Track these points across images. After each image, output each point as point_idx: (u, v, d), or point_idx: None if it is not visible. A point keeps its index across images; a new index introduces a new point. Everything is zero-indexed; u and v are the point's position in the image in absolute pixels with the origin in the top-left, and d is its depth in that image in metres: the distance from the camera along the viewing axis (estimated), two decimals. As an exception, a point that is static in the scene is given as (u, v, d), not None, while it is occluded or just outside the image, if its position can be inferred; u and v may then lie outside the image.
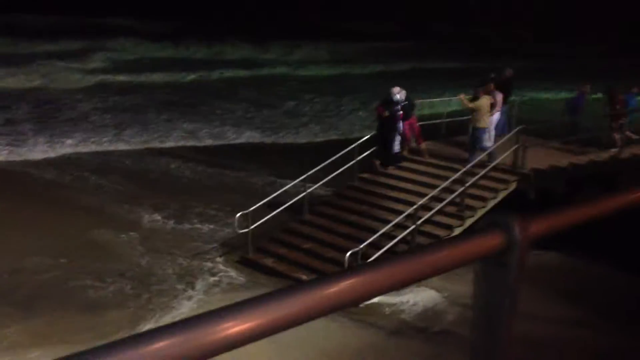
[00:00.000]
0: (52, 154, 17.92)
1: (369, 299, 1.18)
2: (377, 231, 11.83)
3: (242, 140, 20.77)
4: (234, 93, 26.87)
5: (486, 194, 13.03)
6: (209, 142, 20.28)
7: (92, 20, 40.28)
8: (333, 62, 36.04)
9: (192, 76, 29.98)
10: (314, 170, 13.21)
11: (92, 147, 18.76)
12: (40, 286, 10.69)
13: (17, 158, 17.40)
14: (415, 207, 11.90)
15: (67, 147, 18.52)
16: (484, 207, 12.77)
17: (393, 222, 11.86)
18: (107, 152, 18.61)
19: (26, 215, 13.47)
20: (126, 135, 19.96)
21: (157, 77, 28.89)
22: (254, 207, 12.22)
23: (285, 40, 39.50)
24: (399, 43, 41.34)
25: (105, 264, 11.74)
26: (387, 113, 13.90)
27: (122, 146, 19.14)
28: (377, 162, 14.12)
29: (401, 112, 14.03)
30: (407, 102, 14.29)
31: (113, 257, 12.11)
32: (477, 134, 13.79)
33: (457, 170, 13.18)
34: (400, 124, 14.06)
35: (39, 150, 18.00)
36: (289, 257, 12.14)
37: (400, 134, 14.07)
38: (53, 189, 15.34)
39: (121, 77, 28.18)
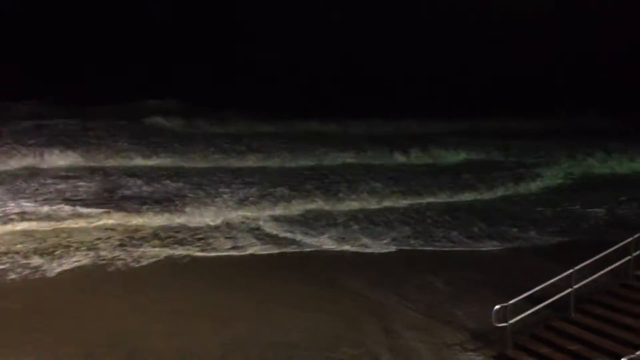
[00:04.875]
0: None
1: None
2: (659, 338, 10.38)
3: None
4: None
5: None
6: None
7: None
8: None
9: None
10: (581, 265, 12.16)
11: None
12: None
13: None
14: None
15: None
16: None
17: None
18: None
19: (302, 294, 14.53)
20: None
21: None
22: (514, 300, 11.56)
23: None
24: None
25: (359, 347, 12.04)
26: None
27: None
28: None
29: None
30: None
31: (367, 338, 12.37)
32: None
33: None
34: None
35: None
36: (552, 357, 11.11)
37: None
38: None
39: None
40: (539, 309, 11.82)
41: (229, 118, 32.79)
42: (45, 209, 19.45)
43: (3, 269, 15.26)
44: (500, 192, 24.00)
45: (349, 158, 27.94)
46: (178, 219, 19.41)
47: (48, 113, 31.74)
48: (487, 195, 23.51)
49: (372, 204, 21.84)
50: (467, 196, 23.24)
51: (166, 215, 19.59)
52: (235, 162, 26.22)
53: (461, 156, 29.09)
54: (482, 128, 33.52)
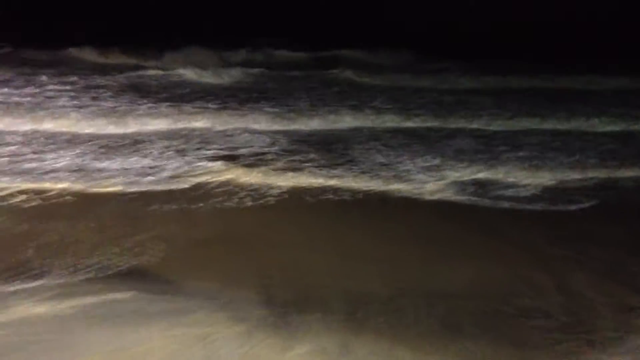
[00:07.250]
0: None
1: None
2: None
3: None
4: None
5: None
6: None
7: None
8: None
9: None
10: None
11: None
12: (472, 314, 11.27)
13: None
14: None
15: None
16: None
17: None
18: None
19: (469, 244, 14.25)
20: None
21: None
22: None
23: None
24: None
25: (530, 303, 11.71)
26: None
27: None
28: None
29: None
30: None
31: (539, 294, 11.98)
32: None
33: None
34: None
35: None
36: None
37: None
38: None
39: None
40: None
41: (451, 71, 29.61)
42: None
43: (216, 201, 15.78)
44: None
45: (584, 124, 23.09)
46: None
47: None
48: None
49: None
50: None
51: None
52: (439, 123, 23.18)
53: None
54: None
